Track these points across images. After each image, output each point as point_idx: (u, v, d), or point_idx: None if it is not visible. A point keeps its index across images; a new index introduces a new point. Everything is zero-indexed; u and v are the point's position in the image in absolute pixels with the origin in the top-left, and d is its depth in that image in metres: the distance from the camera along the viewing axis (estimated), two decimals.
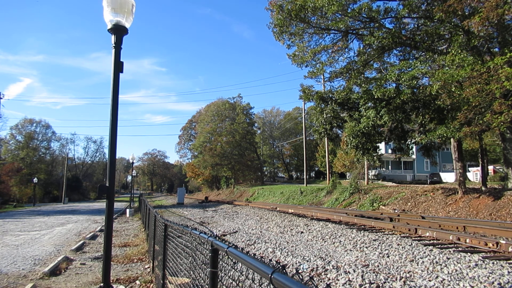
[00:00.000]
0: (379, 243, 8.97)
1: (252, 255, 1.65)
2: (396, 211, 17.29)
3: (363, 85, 18.89)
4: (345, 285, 5.54)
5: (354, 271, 6.28)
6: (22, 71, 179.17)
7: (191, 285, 3.09)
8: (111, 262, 5.00)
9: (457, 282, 5.48)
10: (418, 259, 7.11)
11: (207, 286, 2.21)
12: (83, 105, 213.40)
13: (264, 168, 76.60)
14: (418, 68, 15.03)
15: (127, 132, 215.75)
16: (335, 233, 10.92)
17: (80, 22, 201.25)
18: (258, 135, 72.40)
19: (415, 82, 15.20)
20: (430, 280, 5.63)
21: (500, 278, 5.58)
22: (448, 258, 6.96)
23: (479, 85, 11.99)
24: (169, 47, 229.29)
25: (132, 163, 40.20)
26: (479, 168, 24.38)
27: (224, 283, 2.17)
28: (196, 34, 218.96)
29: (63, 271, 7.23)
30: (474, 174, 33.98)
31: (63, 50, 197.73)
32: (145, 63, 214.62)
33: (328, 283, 5.71)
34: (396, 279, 5.72)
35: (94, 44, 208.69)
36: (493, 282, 5.38)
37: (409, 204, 18.39)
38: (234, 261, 1.82)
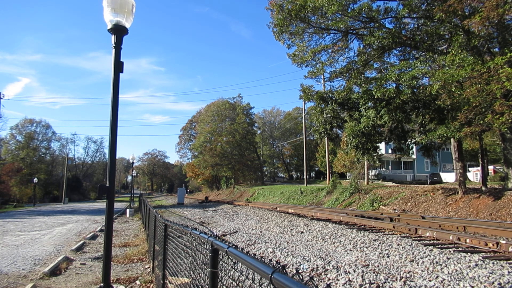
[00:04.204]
0: (379, 243, 8.97)
1: (252, 255, 1.65)
2: (396, 211, 17.28)
3: (363, 85, 18.88)
4: (345, 285, 5.54)
5: (354, 271, 6.28)
6: (20, 71, 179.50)
7: (191, 285, 3.09)
8: (111, 262, 5.00)
9: (457, 282, 5.47)
10: (418, 259, 7.10)
11: (207, 286, 2.21)
12: (82, 105, 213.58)
13: (264, 168, 76.59)
14: (418, 68, 15.02)
15: (127, 132, 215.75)
16: (335, 233, 10.92)
17: (77, 21, 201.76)
18: (258, 135, 72.40)
19: (415, 82, 15.19)
20: (430, 280, 5.63)
21: (500, 278, 5.57)
22: (448, 258, 6.96)
23: (479, 85, 11.98)
24: (166, 46, 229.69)
25: (132, 163, 40.23)
26: (479, 168, 24.39)
27: (224, 283, 2.17)
28: (193, 33, 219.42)
29: (63, 271, 7.23)
30: (474, 174, 33.97)
31: (60, 50, 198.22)
32: (143, 62, 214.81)
33: (328, 283, 5.71)
34: (396, 279, 5.72)
35: (91, 44, 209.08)
36: (493, 282, 5.38)
37: (409, 204, 18.38)
38: (234, 261, 1.82)
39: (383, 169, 43.59)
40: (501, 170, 27.82)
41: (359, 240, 9.51)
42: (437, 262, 6.73)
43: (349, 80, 19.94)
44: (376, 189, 24.09)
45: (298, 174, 77.31)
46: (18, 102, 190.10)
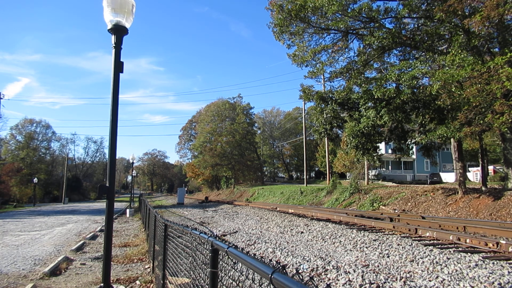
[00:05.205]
0: (379, 243, 8.97)
1: (252, 255, 1.65)
2: (396, 211, 17.28)
3: (363, 85, 18.88)
4: (345, 285, 5.54)
5: (354, 271, 6.28)
6: (19, 71, 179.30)
7: (191, 285, 3.09)
8: (111, 262, 5.00)
9: (457, 282, 5.47)
10: (418, 259, 7.10)
11: (207, 286, 2.21)
12: (82, 105, 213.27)
13: (264, 168, 76.60)
14: (418, 68, 15.02)
15: (126, 132, 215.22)
16: (335, 233, 10.92)
17: (77, 21, 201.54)
18: (258, 135, 72.41)
19: (415, 82, 15.19)
20: (430, 280, 5.63)
21: (500, 278, 5.57)
22: (448, 258, 6.96)
23: (479, 85, 11.98)
24: (166, 46, 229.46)
25: (132, 163, 40.22)
26: (479, 168, 24.38)
27: (224, 283, 2.17)
28: (193, 33, 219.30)
29: (63, 271, 7.23)
30: (474, 174, 33.97)
31: (59, 49, 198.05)
32: (143, 62, 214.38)
33: (328, 283, 5.71)
34: (396, 279, 5.72)
35: (91, 43, 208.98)
36: (493, 282, 5.38)
37: (409, 204, 18.38)
38: (234, 261, 1.82)
39: (383, 169, 43.60)
40: (501, 170, 27.82)
41: (359, 240, 9.51)
42: (437, 262, 6.73)
43: (349, 80, 19.94)
44: (376, 189, 24.09)
45: (298, 174, 77.31)
46: (18, 102, 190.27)
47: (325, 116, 19.02)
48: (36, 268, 7.44)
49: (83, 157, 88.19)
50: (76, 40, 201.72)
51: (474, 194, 15.66)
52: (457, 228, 10.75)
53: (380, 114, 15.91)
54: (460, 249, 8.01)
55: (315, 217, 16.30)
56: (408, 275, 5.99)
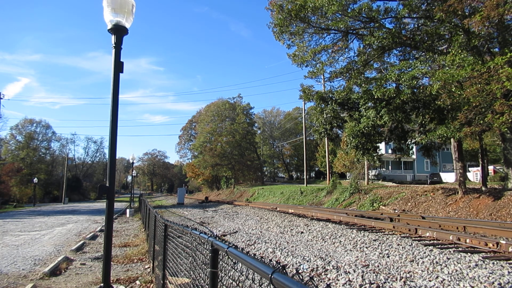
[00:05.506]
0: (379, 243, 8.97)
1: (252, 255, 1.65)
2: (396, 211, 17.28)
3: (363, 85, 18.88)
4: (345, 285, 5.54)
5: (354, 271, 6.28)
6: (19, 71, 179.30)
7: (191, 285, 3.09)
8: (111, 262, 4.99)
9: (457, 282, 5.47)
10: (418, 259, 7.10)
11: (207, 286, 2.21)
12: (82, 105, 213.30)
13: (264, 168, 76.61)
14: (418, 68, 15.02)
15: (126, 132, 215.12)
16: (335, 233, 10.92)
17: (77, 21, 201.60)
18: (258, 135, 72.42)
19: (415, 82, 15.19)
20: (430, 280, 5.63)
21: (500, 278, 5.57)
22: (448, 258, 6.96)
23: (479, 85, 11.98)
24: (166, 46, 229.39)
25: (132, 163, 40.24)
26: (479, 168, 24.39)
27: (224, 283, 2.17)
28: (193, 33, 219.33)
29: (63, 271, 7.23)
30: (474, 174, 33.97)
31: (59, 49, 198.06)
32: (142, 62, 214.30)
33: (328, 283, 5.71)
34: (396, 279, 5.72)
35: (90, 43, 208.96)
36: (493, 282, 5.38)
37: (409, 204, 18.38)
38: (234, 261, 1.82)
39: (383, 169, 43.60)
40: (501, 170, 27.81)
41: (359, 240, 9.51)
42: (437, 262, 6.73)
43: (349, 80, 19.94)
44: (376, 189, 24.09)
45: (298, 174, 77.31)
46: (18, 102, 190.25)
47: (325, 116, 19.03)
48: (36, 268, 7.44)
49: (83, 157, 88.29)
50: (76, 40, 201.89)
51: (474, 194, 15.66)
52: (457, 228, 10.75)
53: (380, 114, 15.91)
54: (460, 249, 8.01)
55: (315, 217, 16.30)
56: (408, 275, 5.99)
